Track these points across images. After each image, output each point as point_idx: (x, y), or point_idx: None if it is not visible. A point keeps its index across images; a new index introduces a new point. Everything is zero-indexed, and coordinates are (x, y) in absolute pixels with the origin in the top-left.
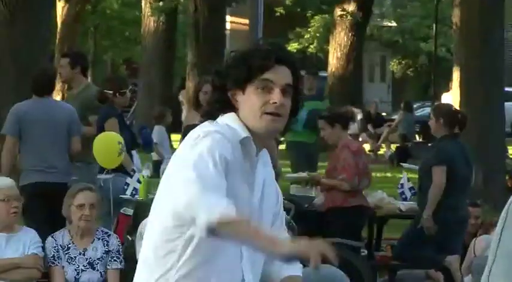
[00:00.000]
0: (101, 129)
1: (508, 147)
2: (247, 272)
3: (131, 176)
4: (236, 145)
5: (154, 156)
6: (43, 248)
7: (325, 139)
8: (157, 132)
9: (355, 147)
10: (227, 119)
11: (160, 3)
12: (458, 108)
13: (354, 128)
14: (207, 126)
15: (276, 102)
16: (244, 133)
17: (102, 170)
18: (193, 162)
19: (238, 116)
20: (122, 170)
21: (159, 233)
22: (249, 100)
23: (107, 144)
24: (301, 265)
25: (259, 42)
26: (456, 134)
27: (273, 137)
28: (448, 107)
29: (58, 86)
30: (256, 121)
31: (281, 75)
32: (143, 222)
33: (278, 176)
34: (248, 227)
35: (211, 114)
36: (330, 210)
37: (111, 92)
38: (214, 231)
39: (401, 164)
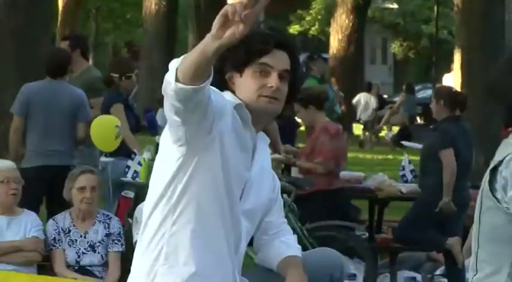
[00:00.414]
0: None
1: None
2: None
3: (132, 159)
4: (233, 114)
5: (159, 139)
6: (44, 230)
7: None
8: (161, 116)
9: (333, 129)
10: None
11: None
12: (459, 89)
13: (367, 114)
14: None
15: (272, 86)
16: (237, 101)
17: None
18: None
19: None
20: (123, 153)
21: (154, 199)
22: (246, 83)
23: (104, 127)
24: (299, 246)
25: (259, 26)
26: (458, 116)
27: (271, 118)
28: (449, 88)
29: None
30: (252, 103)
31: (279, 60)
32: (139, 206)
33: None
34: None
35: None
36: (316, 193)
37: (117, 75)
38: (179, 80)
39: (402, 142)
